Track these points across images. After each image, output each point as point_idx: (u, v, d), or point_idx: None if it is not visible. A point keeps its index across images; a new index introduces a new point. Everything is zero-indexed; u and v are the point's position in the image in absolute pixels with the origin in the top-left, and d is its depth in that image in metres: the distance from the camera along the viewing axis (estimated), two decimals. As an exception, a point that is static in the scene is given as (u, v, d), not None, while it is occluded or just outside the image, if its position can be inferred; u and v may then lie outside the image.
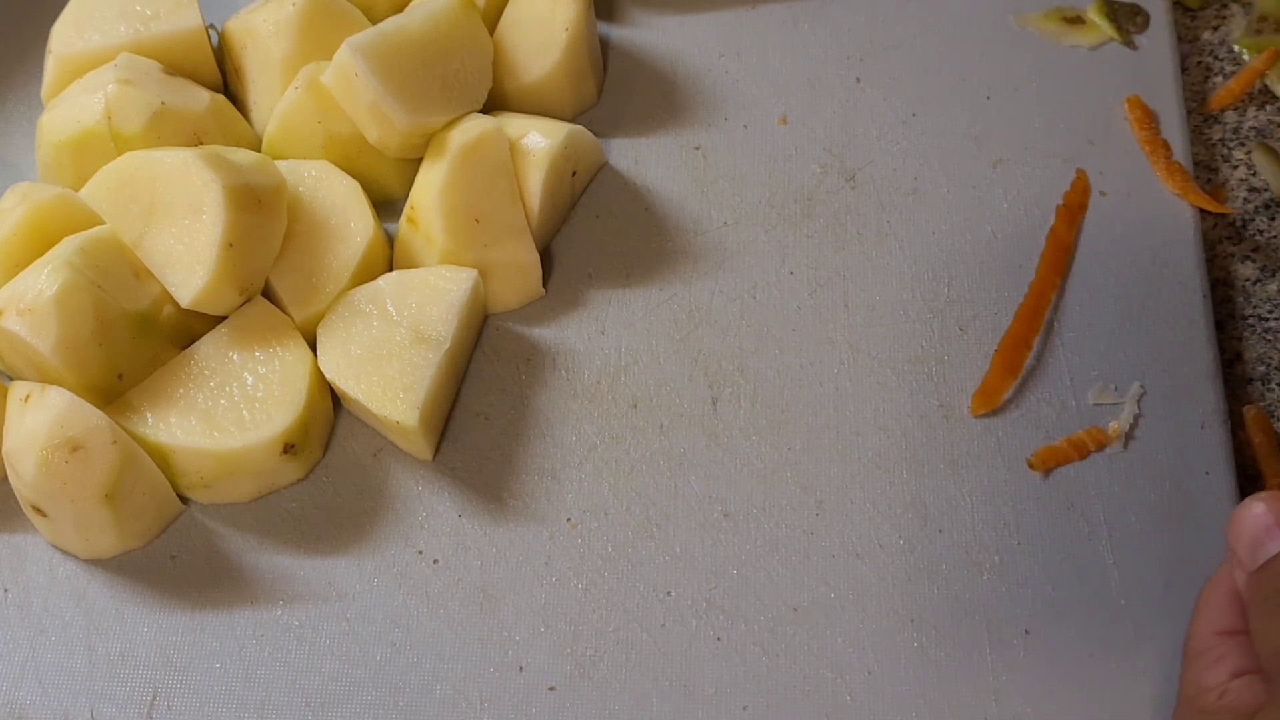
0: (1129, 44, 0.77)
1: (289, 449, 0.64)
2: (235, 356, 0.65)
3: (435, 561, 0.64)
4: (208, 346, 0.66)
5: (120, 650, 0.62)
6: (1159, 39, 0.77)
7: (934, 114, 0.75)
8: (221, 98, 0.73)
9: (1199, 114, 0.77)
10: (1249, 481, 0.65)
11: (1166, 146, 0.73)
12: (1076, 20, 0.78)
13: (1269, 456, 0.65)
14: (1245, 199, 0.74)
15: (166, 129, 0.69)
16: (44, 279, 0.62)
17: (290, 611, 0.63)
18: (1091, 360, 0.67)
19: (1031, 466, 0.64)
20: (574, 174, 0.73)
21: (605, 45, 0.79)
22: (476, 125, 0.69)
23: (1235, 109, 0.77)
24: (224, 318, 0.67)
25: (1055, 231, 0.70)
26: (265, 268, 0.67)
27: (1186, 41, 0.79)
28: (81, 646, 0.63)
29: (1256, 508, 0.48)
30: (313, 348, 0.67)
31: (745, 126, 0.76)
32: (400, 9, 0.74)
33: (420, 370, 0.65)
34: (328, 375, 0.65)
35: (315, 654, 0.62)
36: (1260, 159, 0.75)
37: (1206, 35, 0.79)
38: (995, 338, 0.68)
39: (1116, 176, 0.73)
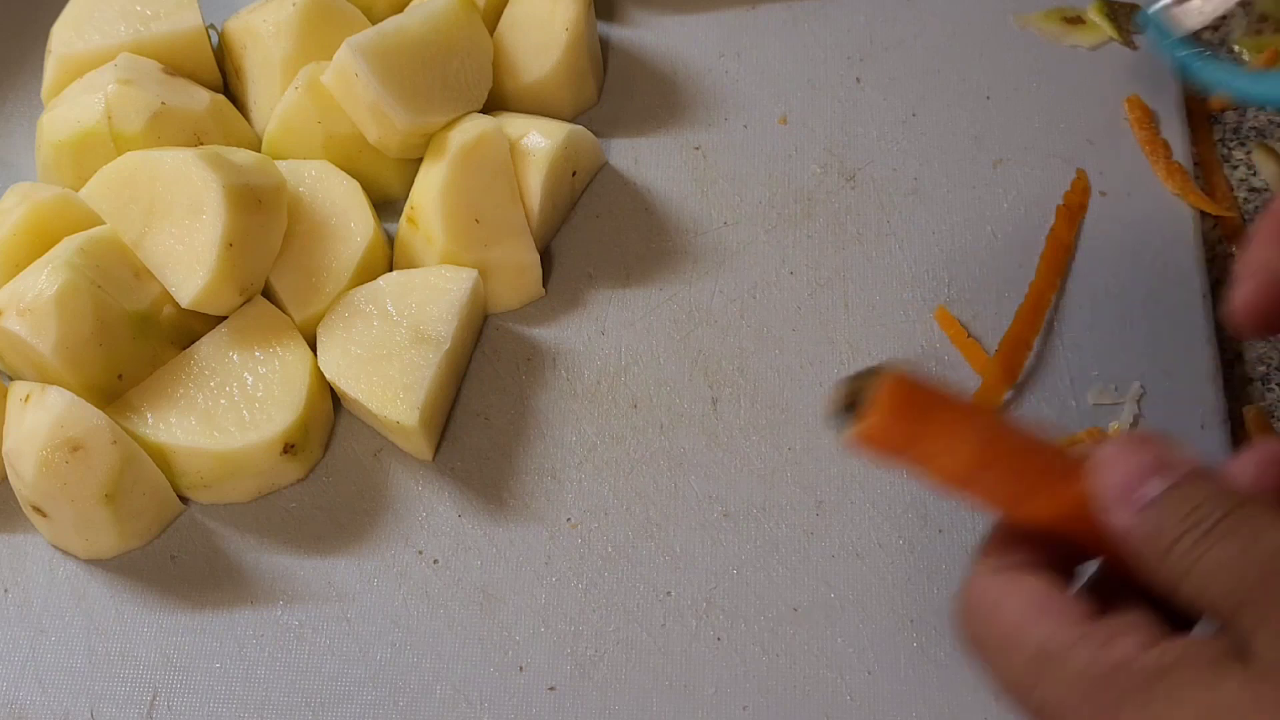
0: (1129, 44, 0.76)
1: (289, 449, 0.64)
2: (235, 356, 0.65)
3: (435, 561, 0.64)
4: (208, 347, 0.66)
5: (120, 650, 0.62)
6: (1159, 40, 0.77)
7: (934, 114, 0.75)
8: (221, 98, 0.73)
9: (1199, 114, 0.77)
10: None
11: (1166, 146, 0.73)
12: (1076, 20, 0.78)
13: (1269, 456, 0.65)
14: (1245, 199, 0.74)
15: (166, 129, 0.69)
16: (44, 279, 0.62)
17: (290, 611, 0.63)
18: (1091, 360, 0.67)
19: None
20: (574, 174, 0.73)
21: (605, 45, 0.79)
22: (476, 125, 0.69)
23: (1235, 109, 0.77)
24: (224, 318, 0.67)
25: (1055, 232, 0.70)
26: (265, 268, 0.67)
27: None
28: (82, 646, 0.63)
29: (1127, 453, 0.41)
30: (313, 348, 0.67)
31: (745, 126, 0.76)
32: (400, 9, 0.74)
33: (420, 370, 0.65)
34: (328, 375, 0.66)
35: (315, 654, 0.62)
36: (1260, 159, 0.74)
37: (1206, 35, 0.79)
38: (995, 338, 0.68)
39: (1116, 176, 0.73)
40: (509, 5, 0.75)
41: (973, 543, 0.63)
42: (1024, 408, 0.66)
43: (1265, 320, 0.47)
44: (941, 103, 0.76)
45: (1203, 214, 0.72)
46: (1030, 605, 0.41)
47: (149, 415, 0.64)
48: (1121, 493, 0.41)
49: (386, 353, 0.65)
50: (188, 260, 0.64)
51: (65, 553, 0.65)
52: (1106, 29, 0.77)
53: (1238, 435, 0.66)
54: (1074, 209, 0.71)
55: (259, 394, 0.65)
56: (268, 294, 0.68)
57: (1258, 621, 0.36)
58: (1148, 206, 0.72)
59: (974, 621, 0.43)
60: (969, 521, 0.63)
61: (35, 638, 0.63)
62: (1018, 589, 0.42)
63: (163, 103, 0.69)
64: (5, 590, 0.64)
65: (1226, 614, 0.37)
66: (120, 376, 0.65)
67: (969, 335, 0.68)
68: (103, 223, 0.66)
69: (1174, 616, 0.41)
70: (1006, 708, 0.42)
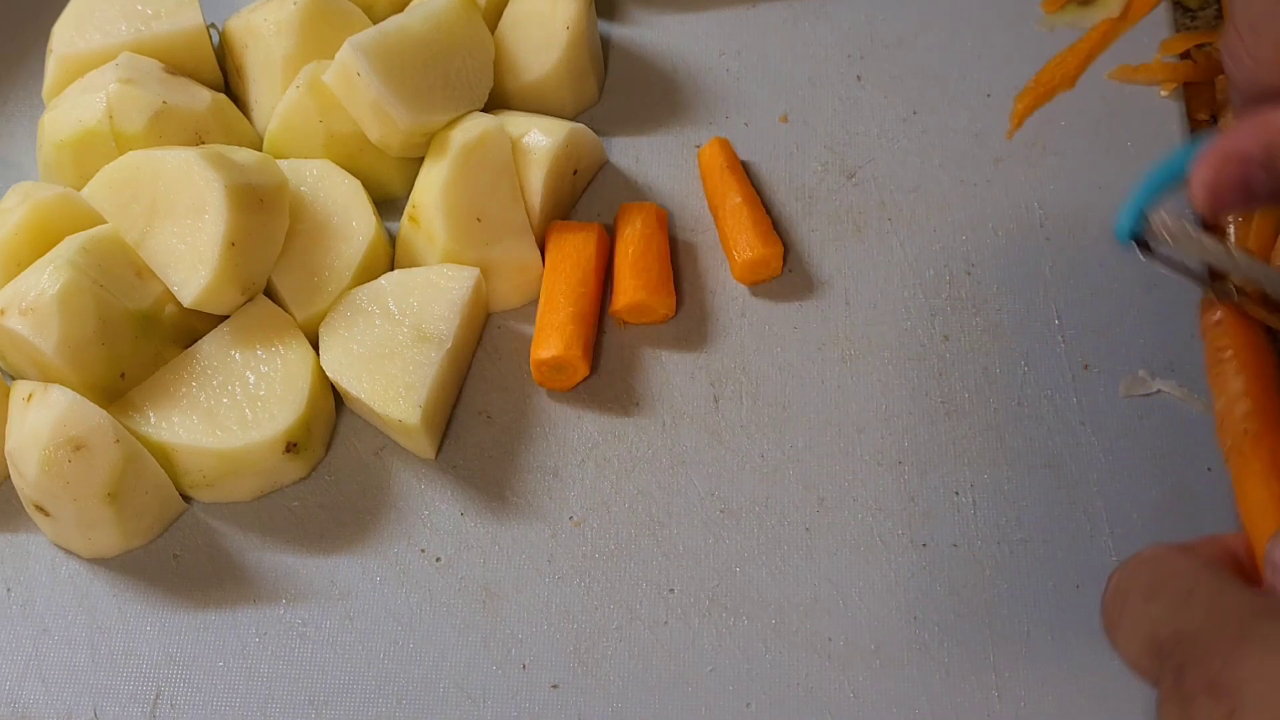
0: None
1: (291, 448, 0.64)
2: (237, 355, 0.66)
3: (438, 560, 0.64)
4: (210, 345, 0.66)
5: (123, 649, 0.62)
6: (1159, 38, 0.77)
7: (935, 112, 0.76)
8: (223, 97, 0.73)
9: (1200, 118, 0.77)
10: (1250, 478, 0.65)
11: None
12: (1088, 0, 0.78)
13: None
14: (1245, 196, 0.74)
15: (168, 128, 0.69)
16: (46, 278, 0.62)
17: (293, 610, 0.63)
18: (1093, 357, 0.67)
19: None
20: (575, 172, 0.73)
21: (606, 44, 0.79)
22: (478, 124, 0.69)
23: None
24: (226, 317, 0.67)
25: None
26: (267, 267, 0.67)
27: (1186, 39, 0.79)
28: (85, 645, 0.63)
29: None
30: (315, 346, 0.67)
31: (746, 125, 0.76)
32: (401, 8, 0.74)
33: (422, 369, 0.65)
34: (330, 374, 0.66)
35: (318, 652, 0.62)
36: None
37: (1206, 33, 0.79)
38: (995, 335, 0.68)
39: (1117, 174, 0.73)
40: (510, 4, 0.75)
41: (974, 539, 0.63)
42: (1025, 404, 0.66)
43: (1223, 200, 0.53)
44: (942, 101, 0.76)
45: (1203, 211, 0.72)
46: (1193, 565, 0.48)
47: (151, 414, 0.64)
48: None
49: (388, 351, 0.65)
50: (190, 259, 0.64)
51: (68, 552, 0.65)
52: (1116, 5, 0.77)
53: (1239, 432, 0.66)
54: None
55: (261, 393, 0.65)
56: (269, 293, 0.68)
57: None
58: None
59: (1132, 572, 0.49)
60: (970, 518, 0.64)
61: (38, 637, 0.63)
62: (1188, 556, 0.48)
63: (164, 102, 0.69)
64: (8, 589, 0.64)
65: None
66: (122, 375, 0.65)
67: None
68: (105, 222, 0.66)
69: None
70: (1148, 655, 0.46)
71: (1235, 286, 0.60)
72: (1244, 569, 0.52)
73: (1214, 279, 0.61)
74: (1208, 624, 0.45)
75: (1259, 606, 0.45)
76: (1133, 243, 0.58)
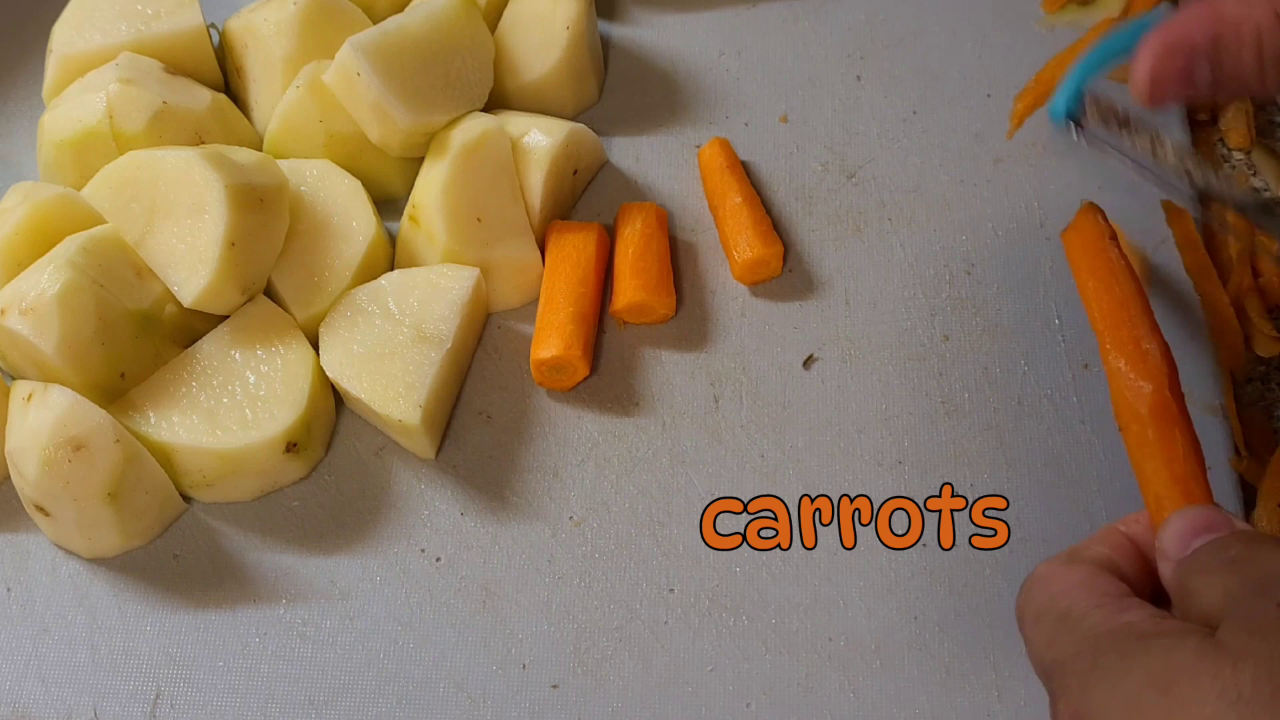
0: None
1: (291, 447, 0.64)
2: (237, 355, 0.66)
3: (438, 560, 0.64)
4: (210, 345, 0.66)
5: (123, 648, 0.62)
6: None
7: (934, 112, 0.76)
8: (223, 97, 0.73)
9: (1201, 113, 0.77)
10: (1247, 481, 0.65)
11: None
12: (1088, 1, 0.78)
13: (1267, 456, 0.66)
14: (1245, 196, 0.74)
15: (168, 128, 0.69)
16: (46, 278, 0.62)
17: (293, 610, 0.63)
18: (1093, 357, 0.67)
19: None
20: (575, 172, 0.73)
21: (606, 44, 0.79)
22: (478, 124, 0.69)
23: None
24: (226, 317, 0.67)
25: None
26: (267, 267, 0.67)
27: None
28: (85, 645, 0.63)
29: (1187, 514, 0.50)
30: (315, 347, 0.67)
31: (746, 124, 0.76)
32: (401, 8, 0.74)
33: (422, 369, 0.65)
34: (330, 374, 0.66)
35: (318, 652, 0.62)
36: (1260, 159, 0.75)
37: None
38: (995, 335, 0.68)
39: (1117, 175, 0.72)
40: (510, 4, 0.75)
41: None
42: (1025, 403, 0.66)
43: (1165, 92, 0.52)
44: (942, 100, 0.76)
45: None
46: (1071, 582, 0.49)
47: (151, 414, 0.64)
48: (1178, 544, 0.49)
49: (388, 351, 0.65)
50: (190, 259, 0.64)
51: (68, 552, 0.65)
52: (1116, 5, 0.77)
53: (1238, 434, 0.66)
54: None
55: (261, 393, 0.65)
56: (270, 293, 0.68)
57: (1229, 618, 0.44)
58: (1147, 204, 0.72)
59: (1026, 594, 0.49)
60: (971, 517, 0.64)
61: (38, 636, 0.63)
62: (1069, 571, 0.49)
63: (164, 102, 0.69)
64: (8, 589, 0.64)
65: (1214, 618, 0.45)
66: (122, 375, 0.65)
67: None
68: (105, 222, 0.66)
69: None
70: (1041, 678, 0.47)
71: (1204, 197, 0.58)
72: (1143, 555, 0.51)
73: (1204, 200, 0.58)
74: (1072, 651, 0.46)
75: (1110, 632, 0.45)
76: (1067, 123, 0.56)
